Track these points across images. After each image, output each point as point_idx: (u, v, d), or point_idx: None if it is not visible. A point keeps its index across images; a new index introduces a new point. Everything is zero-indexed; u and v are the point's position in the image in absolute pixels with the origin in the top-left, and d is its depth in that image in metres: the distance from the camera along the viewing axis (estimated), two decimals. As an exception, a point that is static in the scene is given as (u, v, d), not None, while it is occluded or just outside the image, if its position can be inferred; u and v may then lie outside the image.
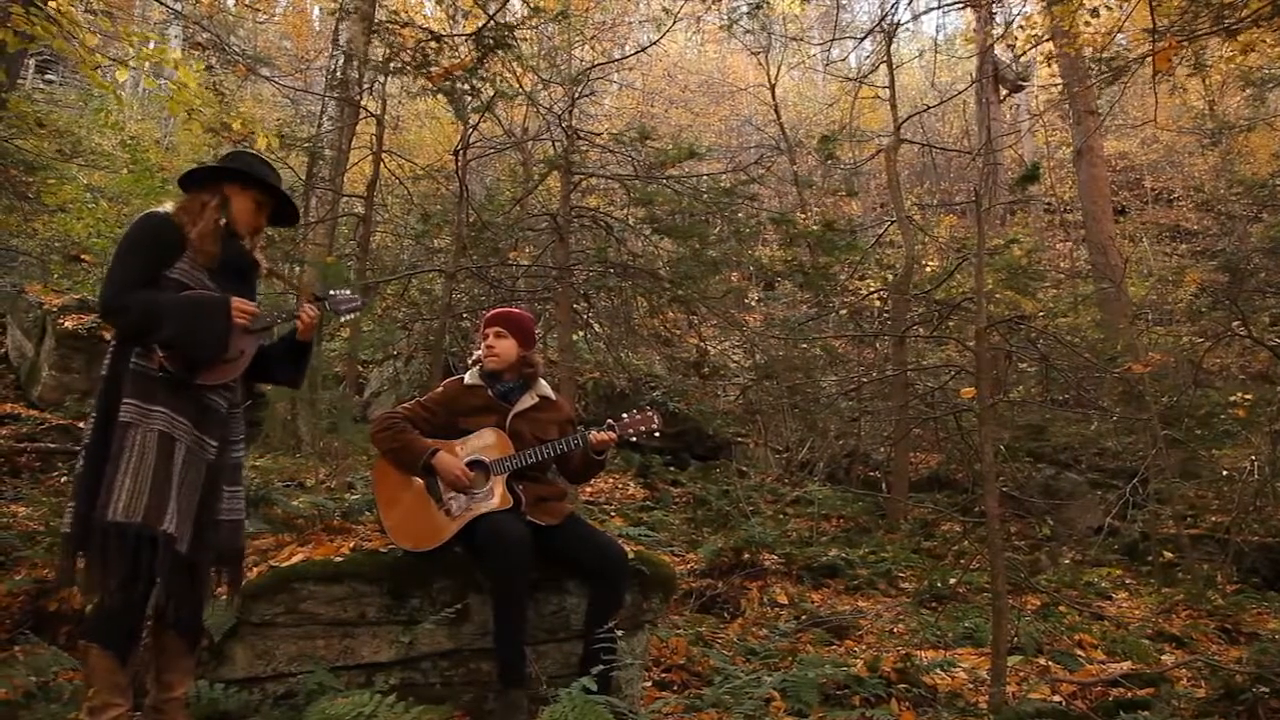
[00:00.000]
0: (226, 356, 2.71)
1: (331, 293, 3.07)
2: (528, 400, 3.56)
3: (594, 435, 3.43)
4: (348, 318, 3.14)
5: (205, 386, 2.70)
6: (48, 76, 16.89)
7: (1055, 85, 15.16)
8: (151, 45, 5.35)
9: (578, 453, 3.49)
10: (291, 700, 3.04)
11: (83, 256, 10.43)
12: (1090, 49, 10.20)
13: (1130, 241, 17.22)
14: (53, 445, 6.80)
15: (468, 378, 3.60)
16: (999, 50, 14.59)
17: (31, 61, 14.16)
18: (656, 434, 3.54)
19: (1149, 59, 6.28)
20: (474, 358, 3.66)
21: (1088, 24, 9.03)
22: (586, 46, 13.05)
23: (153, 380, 2.61)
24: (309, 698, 2.97)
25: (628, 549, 3.57)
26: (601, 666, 3.00)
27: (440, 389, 3.62)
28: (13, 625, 3.67)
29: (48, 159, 9.60)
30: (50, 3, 5.15)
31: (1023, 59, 15.54)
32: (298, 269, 8.19)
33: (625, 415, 3.52)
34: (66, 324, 8.18)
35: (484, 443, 3.41)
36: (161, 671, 2.72)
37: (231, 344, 2.71)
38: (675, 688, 4.06)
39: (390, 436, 3.38)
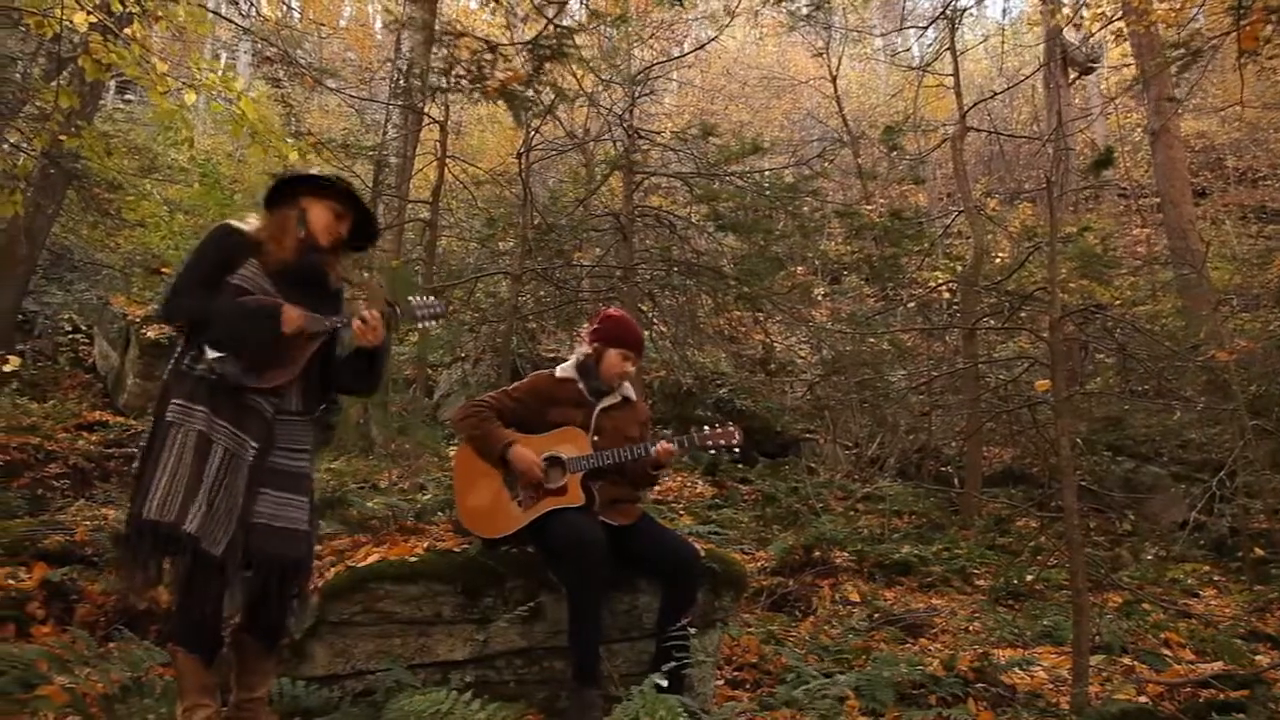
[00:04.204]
0: (279, 362, 2.71)
1: (410, 299, 2.98)
2: (614, 398, 3.60)
3: (659, 446, 3.44)
4: (427, 324, 3.00)
5: (252, 389, 2.69)
6: (127, 96, 17.56)
7: (1127, 65, 14.65)
8: (220, 73, 5.52)
9: (642, 461, 3.49)
10: (370, 697, 3.09)
11: (163, 269, 10.81)
12: (1163, 25, 9.84)
13: (1212, 224, 16.53)
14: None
15: (559, 371, 3.64)
16: (1067, 32, 14.12)
17: (112, 83, 14.74)
18: (737, 449, 3.55)
19: (1230, 38, 5.99)
20: (578, 355, 3.65)
21: (1162, 0, 8.72)
22: (645, 46, 13.05)
23: (198, 381, 2.64)
24: (387, 695, 3.03)
25: (698, 547, 3.57)
26: (674, 664, 3.00)
27: (529, 379, 3.67)
28: (107, 623, 3.82)
29: (127, 177, 9.98)
30: (125, 29, 5.34)
31: (1092, 39, 15.04)
32: (366, 275, 8.34)
33: (707, 428, 3.54)
34: (149, 334, 8.48)
35: (564, 440, 3.44)
36: (242, 673, 2.77)
37: (282, 349, 2.70)
38: (747, 686, 4.04)
39: (474, 423, 3.45)
